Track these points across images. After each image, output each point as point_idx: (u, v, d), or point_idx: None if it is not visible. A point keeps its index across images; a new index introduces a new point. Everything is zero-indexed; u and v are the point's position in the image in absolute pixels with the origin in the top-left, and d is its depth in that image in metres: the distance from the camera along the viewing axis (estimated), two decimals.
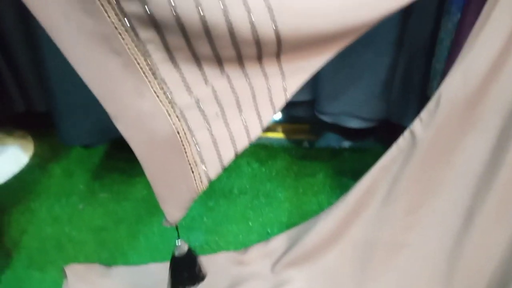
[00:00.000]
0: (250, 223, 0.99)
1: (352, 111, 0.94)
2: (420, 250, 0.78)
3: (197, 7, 0.35)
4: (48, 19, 0.34)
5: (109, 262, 0.89)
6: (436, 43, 0.82)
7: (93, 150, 1.18)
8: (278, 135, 1.24)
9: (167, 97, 0.41)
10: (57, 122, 0.94)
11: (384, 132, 1.14)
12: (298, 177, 1.12)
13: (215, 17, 0.35)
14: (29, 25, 0.88)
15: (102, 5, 0.34)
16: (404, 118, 0.93)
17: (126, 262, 0.90)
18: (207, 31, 0.36)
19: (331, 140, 1.23)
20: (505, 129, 0.66)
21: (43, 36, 0.79)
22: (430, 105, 0.68)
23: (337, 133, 1.20)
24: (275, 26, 0.37)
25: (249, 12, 0.36)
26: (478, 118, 0.67)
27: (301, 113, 1.05)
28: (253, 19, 0.36)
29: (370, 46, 0.84)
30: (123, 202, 1.04)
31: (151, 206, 1.02)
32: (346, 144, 1.23)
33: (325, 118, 0.96)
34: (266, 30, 0.37)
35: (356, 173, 1.11)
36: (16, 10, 0.91)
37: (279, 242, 0.89)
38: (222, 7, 0.35)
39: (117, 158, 1.16)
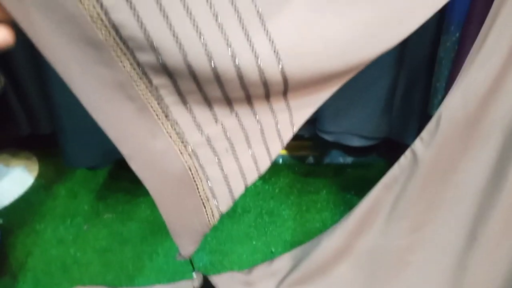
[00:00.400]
0: (254, 242, 0.99)
1: (354, 130, 0.94)
2: (425, 268, 0.78)
3: (207, 55, 0.36)
4: (65, 69, 0.36)
5: (114, 283, 0.90)
6: (436, 62, 0.83)
7: (97, 171, 1.19)
8: (281, 151, 1.25)
9: (179, 137, 0.43)
10: (62, 145, 0.95)
11: (387, 147, 1.15)
12: (301, 194, 1.13)
13: (224, 65, 0.37)
14: (34, 50, 0.90)
15: (118, 56, 0.36)
16: (405, 136, 0.94)
17: (131, 283, 0.90)
18: (217, 77, 0.37)
19: (334, 156, 1.23)
20: (506, 147, 0.66)
21: (47, 61, 0.81)
22: (430, 125, 0.69)
23: (340, 149, 1.21)
24: (282, 68, 0.38)
25: (256, 57, 0.37)
26: (478, 137, 0.67)
27: (303, 132, 1.06)
28: (260, 64, 0.37)
29: (370, 65, 0.85)
30: (127, 222, 1.04)
31: (155, 226, 1.03)
32: (349, 159, 1.23)
33: (327, 137, 0.97)
34: (273, 73, 0.38)
35: (360, 189, 1.12)
36: (21, 35, 0.92)
37: (283, 262, 0.89)
38: (230, 54, 0.36)
39: (121, 178, 1.17)
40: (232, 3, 0.36)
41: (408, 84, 0.89)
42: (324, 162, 1.24)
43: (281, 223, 1.04)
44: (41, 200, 1.12)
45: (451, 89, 0.67)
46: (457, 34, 0.78)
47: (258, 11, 0.37)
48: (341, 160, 1.24)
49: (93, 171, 1.18)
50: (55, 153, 1.15)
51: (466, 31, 0.77)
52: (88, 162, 0.99)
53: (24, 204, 1.11)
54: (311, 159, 1.25)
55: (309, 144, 1.24)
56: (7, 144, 1.24)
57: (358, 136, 0.96)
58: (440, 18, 0.80)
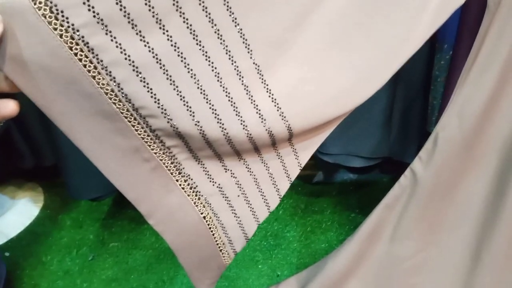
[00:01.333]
0: (260, 266, 0.98)
1: (353, 151, 0.94)
2: None
3: (216, 118, 0.38)
4: (81, 139, 0.38)
5: None
6: (432, 80, 0.83)
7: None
8: None
9: (192, 190, 0.44)
10: (66, 178, 0.96)
11: (390, 163, 1.14)
12: (305, 214, 1.12)
13: (232, 126, 0.39)
14: None
15: (132, 125, 0.37)
16: (405, 155, 0.94)
17: None
18: (227, 137, 0.40)
19: (337, 174, 1.23)
20: (505, 166, 0.66)
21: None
22: (428, 144, 0.69)
23: (342, 167, 1.20)
24: (285, 120, 0.41)
25: (260, 113, 0.40)
26: (477, 156, 0.67)
27: None
28: (264, 119, 0.40)
29: None
30: (132, 250, 1.05)
31: (160, 253, 1.03)
32: (353, 176, 1.23)
33: (327, 159, 0.97)
34: (278, 126, 0.41)
35: (364, 207, 1.11)
36: None
37: (289, 286, 0.89)
38: (236, 114, 0.39)
39: (126, 206, 1.17)
40: (232, 63, 0.38)
41: (406, 102, 0.89)
42: (328, 180, 1.24)
43: (286, 246, 1.03)
44: (47, 231, 1.12)
45: (446, 109, 0.67)
46: (451, 53, 0.79)
47: (256, 66, 0.39)
48: (346, 176, 1.23)
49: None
50: (60, 184, 1.16)
51: (457, 50, 0.77)
52: (92, 194, 0.99)
53: (30, 236, 1.12)
54: (320, 176, 1.24)
55: (312, 163, 1.24)
56: (12, 176, 1.26)
57: (359, 157, 0.96)
58: (434, 37, 0.81)
